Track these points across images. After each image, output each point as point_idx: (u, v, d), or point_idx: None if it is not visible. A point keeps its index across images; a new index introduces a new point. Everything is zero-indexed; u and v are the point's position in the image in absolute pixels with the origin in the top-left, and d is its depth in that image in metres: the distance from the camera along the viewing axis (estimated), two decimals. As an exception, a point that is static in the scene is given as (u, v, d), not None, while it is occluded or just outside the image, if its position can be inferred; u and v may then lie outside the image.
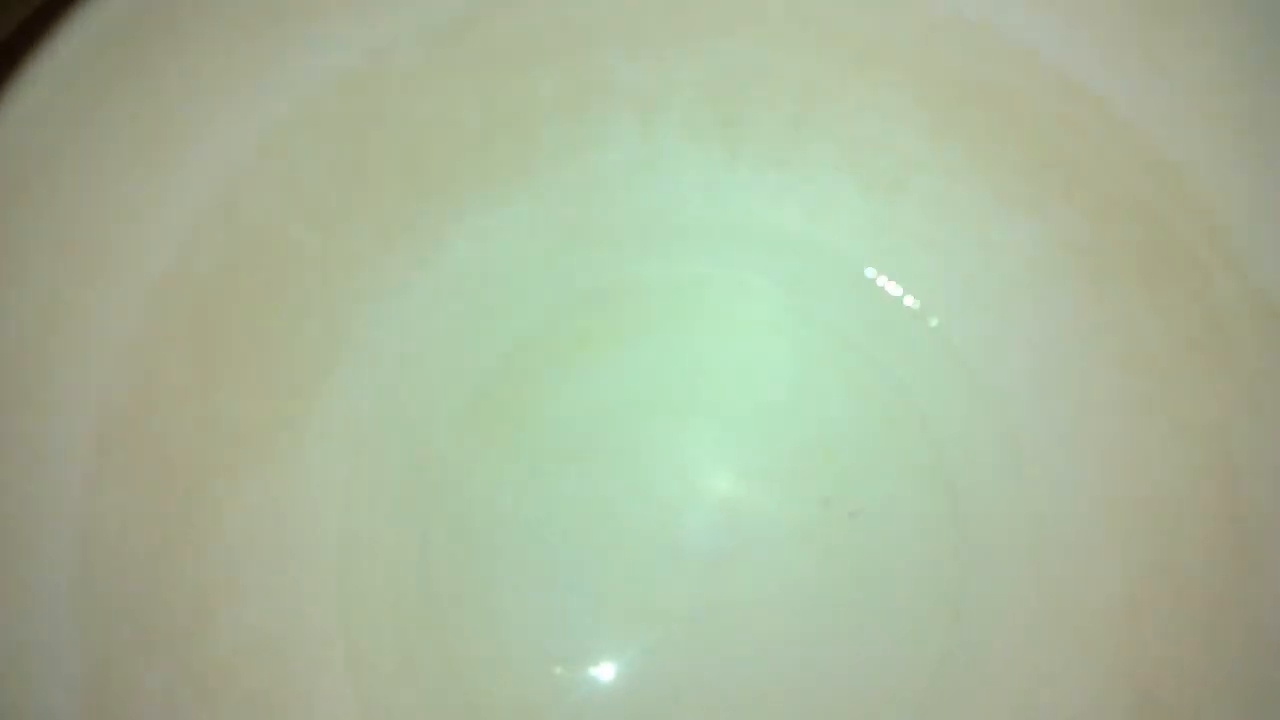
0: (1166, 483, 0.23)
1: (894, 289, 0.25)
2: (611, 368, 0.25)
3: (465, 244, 0.23)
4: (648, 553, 0.24)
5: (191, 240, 0.18)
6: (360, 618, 0.22)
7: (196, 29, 0.18)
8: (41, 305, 0.17)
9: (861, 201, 0.25)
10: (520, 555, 0.24)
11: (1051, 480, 0.24)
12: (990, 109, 0.23)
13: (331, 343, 0.22)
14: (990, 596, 0.24)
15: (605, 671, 0.23)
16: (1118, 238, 0.23)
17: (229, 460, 0.20)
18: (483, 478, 0.24)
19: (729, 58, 0.24)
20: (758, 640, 0.24)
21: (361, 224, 0.21)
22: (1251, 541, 0.21)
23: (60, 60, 0.17)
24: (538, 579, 0.24)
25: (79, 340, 0.17)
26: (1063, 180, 0.23)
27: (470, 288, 0.24)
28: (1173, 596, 0.22)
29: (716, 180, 0.25)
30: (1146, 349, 0.23)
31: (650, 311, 0.26)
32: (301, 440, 0.21)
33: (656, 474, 0.25)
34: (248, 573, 0.20)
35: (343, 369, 0.22)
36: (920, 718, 0.24)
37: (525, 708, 0.23)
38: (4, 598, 0.16)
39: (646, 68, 0.23)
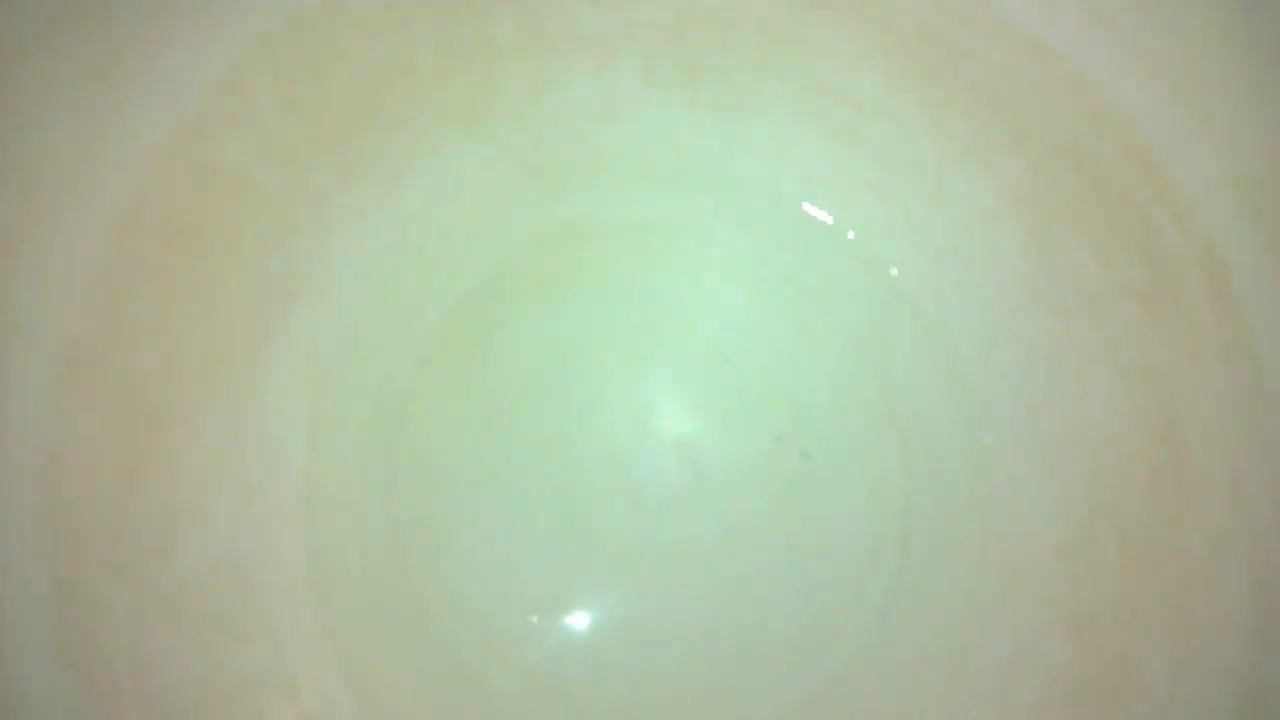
0: (1108, 427, 0.23)
1: (850, 234, 0.25)
2: (570, 307, 0.25)
3: (424, 183, 0.23)
4: (605, 491, 0.24)
5: (149, 175, 0.18)
6: (326, 549, 0.22)
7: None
8: (1, 237, 0.16)
9: (818, 148, 0.25)
10: (481, 493, 0.24)
11: (997, 423, 0.24)
12: (943, 60, 0.23)
13: (293, 279, 0.21)
14: (936, 534, 0.24)
15: (561, 615, 0.24)
16: (1064, 189, 0.23)
17: (193, 391, 0.20)
18: (444, 415, 0.24)
19: (688, 3, 0.23)
20: (713, 578, 0.24)
21: (321, 162, 0.21)
22: (1188, 484, 0.21)
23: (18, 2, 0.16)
24: (499, 517, 0.24)
25: (38, 271, 0.17)
26: (1012, 132, 0.23)
27: (430, 227, 0.24)
28: (1111, 535, 0.22)
29: (675, 124, 0.25)
30: (1090, 298, 0.23)
31: (608, 253, 0.25)
32: (264, 374, 0.21)
33: (614, 414, 0.25)
34: (212, 500, 0.20)
35: (304, 305, 0.22)
36: (867, 649, 0.24)
37: (484, 642, 0.23)
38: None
39: (606, 9, 0.23)
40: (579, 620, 0.24)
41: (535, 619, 0.23)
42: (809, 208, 0.25)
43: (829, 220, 0.25)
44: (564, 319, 0.25)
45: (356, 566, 0.23)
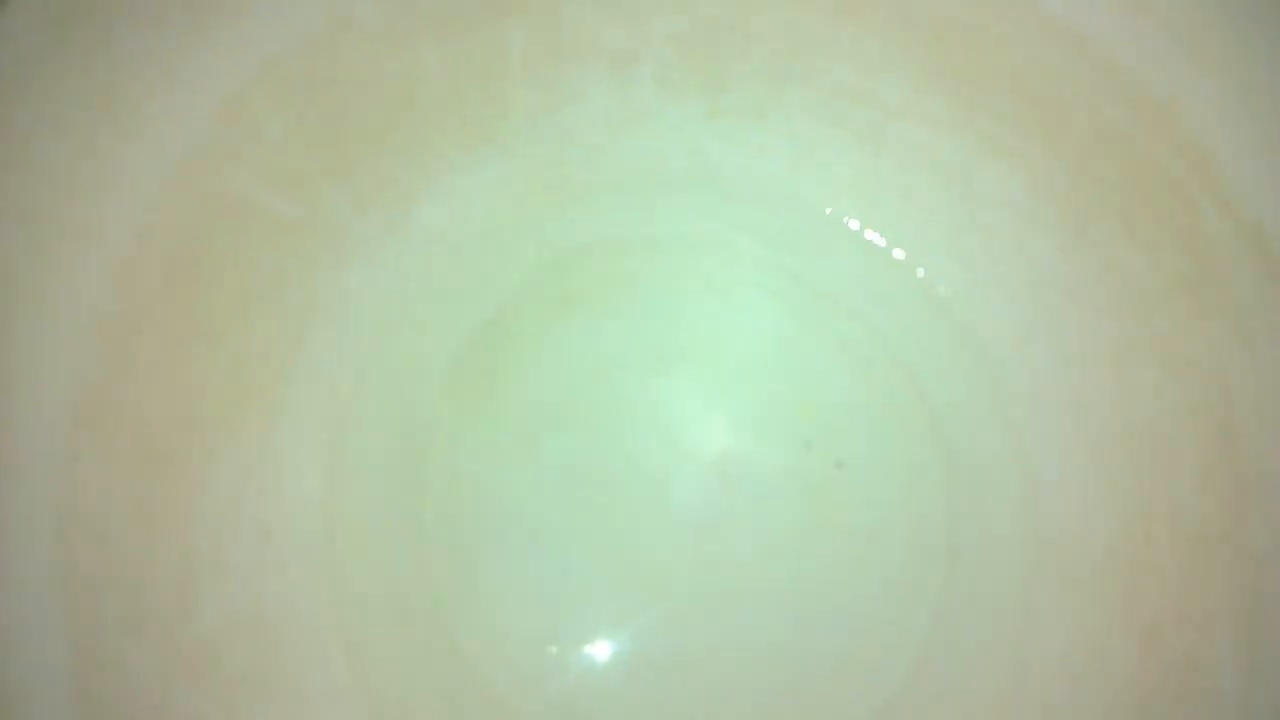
0: (1159, 423, 0.22)
1: (878, 240, 0.24)
2: (594, 330, 0.24)
3: (439, 206, 0.22)
4: (638, 517, 0.23)
5: (156, 208, 0.17)
6: (351, 592, 0.21)
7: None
8: (6, 283, 0.15)
9: (842, 153, 0.24)
10: (511, 526, 0.23)
11: (1041, 426, 0.23)
12: (970, 55, 0.22)
13: (306, 311, 0.20)
14: (983, 544, 0.23)
15: (600, 645, 0.22)
16: (1101, 181, 0.22)
17: (206, 433, 0.18)
18: (469, 447, 0.23)
19: (705, 9, 0.22)
20: (752, 603, 0.23)
21: (332, 188, 0.20)
22: (1248, 477, 0.20)
23: (16, 25, 0.15)
24: (531, 546, 0.23)
25: (46, 313, 0.16)
26: (1045, 125, 0.22)
27: (446, 251, 0.22)
28: (1169, 536, 0.21)
29: (695, 135, 0.24)
30: (1134, 291, 0.22)
31: (631, 271, 0.24)
32: (280, 412, 0.20)
33: (644, 437, 0.23)
34: (231, 549, 0.18)
35: (319, 338, 0.21)
36: (918, 669, 0.22)
37: (523, 683, 0.22)
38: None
39: (620, 20, 0.21)
40: (616, 649, 0.22)
41: (572, 650, 0.22)
42: (834, 214, 0.24)
43: (855, 226, 0.24)
44: (588, 339, 0.24)
45: (384, 607, 0.21)
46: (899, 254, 0.24)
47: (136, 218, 0.16)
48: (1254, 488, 0.20)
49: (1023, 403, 0.23)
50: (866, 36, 0.22)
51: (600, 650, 0.22)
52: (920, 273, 0.24)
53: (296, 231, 0.19)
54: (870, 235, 0.24)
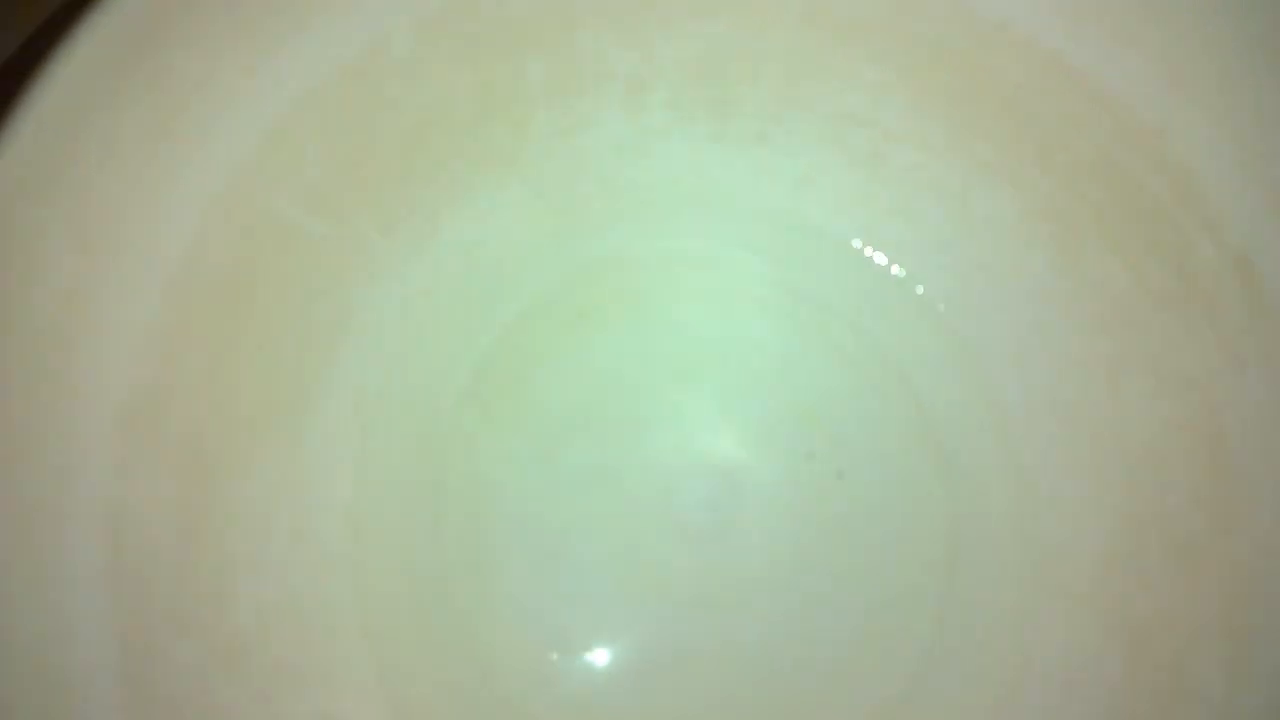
0: (1149, 438, 0.22)
1: (879, 258, 0.25)
2: (607, 343, 0.25)
3: (462, 227, 0.23)
4: (649, 523, 0.24)
5: (202, 230, 0.18)
6: (374, 591, 0.22)
7: (201, 30, 0.18)
8: (62, 296, 0.16)
9: (844, 175, 0.24)
10: (528, 527, 0.24)
11: (1036, 439, 0.24)
12: (966, 81, 0.23)
13: (337, 326, 0.21)
14: (980, 554, 0.24)
15: (611, 647, 0.23)
16: (1093, 204, 0.23)
17: (244, 442, 0.19)
18: (488, 454, 0.24)
19: (712, 39, 0.23)
20: (756, 608, 0.24)
21: (362, 210, 0.21)
22: (1237, 491, 0.21)
23: (76, 62, 0.16)
24: (547, 551, 0.23)
25: (101, 329, 0.17)
26: (1037, 149, 0.23)
27: (468, 269, 0.23)
28: (1159, 549, 0.22)
29: (703, 158, 0.25)
30: (1124, 310, 0.23)
31: (643, 287, 0.25)
32: (311, 420, 0.21)
33: (654, 445, 0.24)
34: (265, 549, 0.19)
35: (348, 352, 0.22)
36: (918, 676, 0.23)
37: (537, 682, 0.23)
38: (43, 579, 0.16)
39: (633, 47, 0.22)
40: (625, 651, 0.23)
41: (584, 651, 0.23)
42: (836, 233, 0.25)
43: (856, 245, 0.25)
44: (602, 352, 0.25)
45: (406, 606, 0.22)
46: (898, 271, 0.25)
47: (187, 238, 0.18)
48: (1242, 501, 0.21)
49: (1018, 416, 0.24)
50: (867, 63, 0.23)
51: (611, 652, 0.23)
52: (919, 290, 0.25)
53: (329, 250, 0.20)
54: (871, 253, 0.25)
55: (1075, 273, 0.23)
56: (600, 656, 0.23)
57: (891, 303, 0.25)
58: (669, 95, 0.24)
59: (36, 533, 0.16)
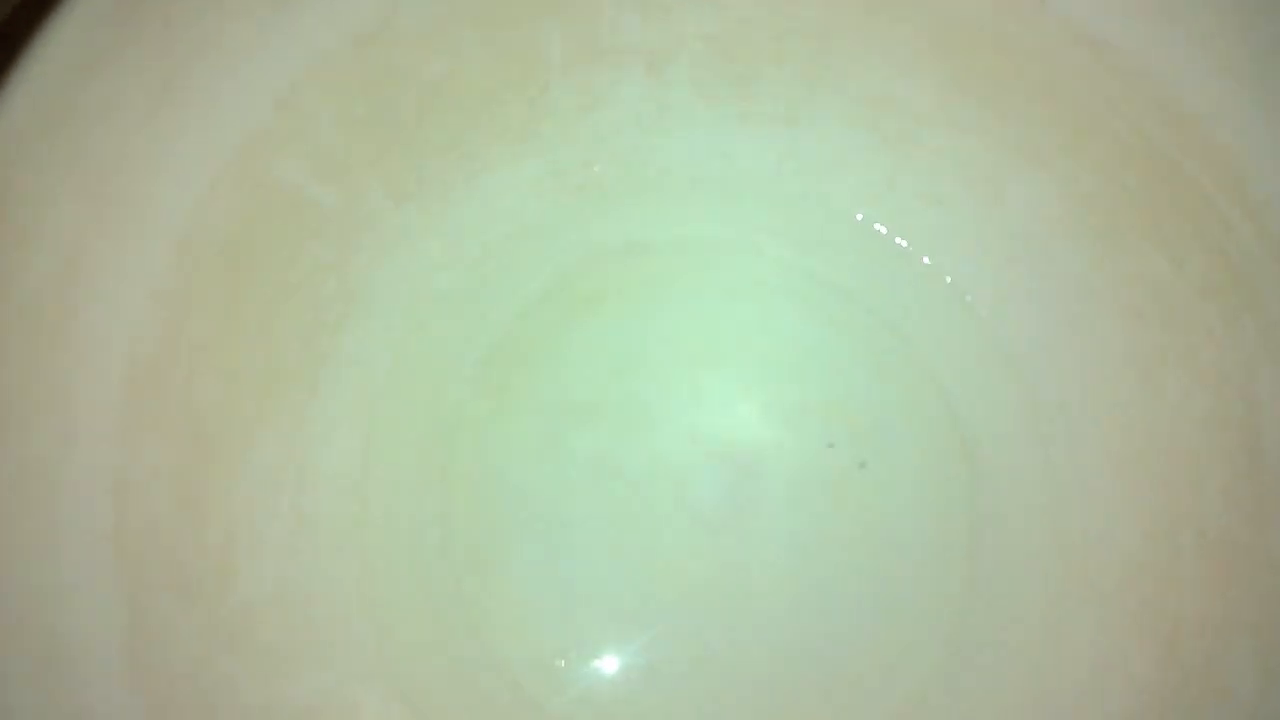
0: (1186, 433, 0.21)
1: (906, 245, 0.24)
2: (622, 327, 0.24)
3: (475, 203, 0.22)
4: (661, 512, 0.23)
5: (210, 195, 0.17)
6: (381, 574, 0.21)
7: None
8: (65, 258, 0.16)
9: (872, 158, 0.24)
10: (535, 517, 0.23)
11: (1067, 434, 0.23)
12: (1001, 62, 0.22)
13: (346, 301, 0.21)
14: (1006, 551, 0.23)
15: (620, 636, 0.22)
16: (1130, 190, 0.22)
17: (248, 415, 0.19)
18: (497, 439, 0.23)
19: (737, 11, 0.22)
20: (771, 600, 0.23)
21: (373, 181, 0.20)
22: (1273, 488, 0.20)
23: (83, 19, 0.16)
24: (556, 538, 0.23)
25: (106, 293, 0.16)
26: (1074, 133, 0.22)
27: (480, 246, 0.23)
28: (1193, 548, 0.21)
29: (726, 137, 0.24)
30: (1161, 300, 0.22)
31: (660, 271, 0.25)
32: (318, 398, 0.20)
33: (668, 434, 0.24)
34: (269, 527, 0.19)
35: (357, 327, 0.21)
36: (940, 671, 0.22)
37: (542, 670, 0.22)
38: (46, 542, 0.15)
39: (655, 21, 0.22)
40: (635, 640, 0.23)
41: (593, 638, 0.22)
42: (863, 219, 0.24)
43: (883, 230, 0.24)
44: (616, 337, 0.24)
45: (412, 590, 0.22)
46: (927, 260, 0.24)
47: (194, 202, 0.17)
48: (1277, 497, 0.20)
49: (1049, 411, 0.23)
50: (897, 41, 0.22)
51: (621, 644, 0.22)
52: (948, 279, 0.24)
53: (338, 221, 0.20)
54: (899, 241, 0.24)
55: (1112, 262, 0.22)
56: (610, 648, 0.22)
57: (919, 292, 0.24)
58: (691, 72, 0.23)
59: (37, 497, 0.15)
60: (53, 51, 0.16)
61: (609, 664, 0.22)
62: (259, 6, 0.18)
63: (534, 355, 0.24)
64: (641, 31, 0.22)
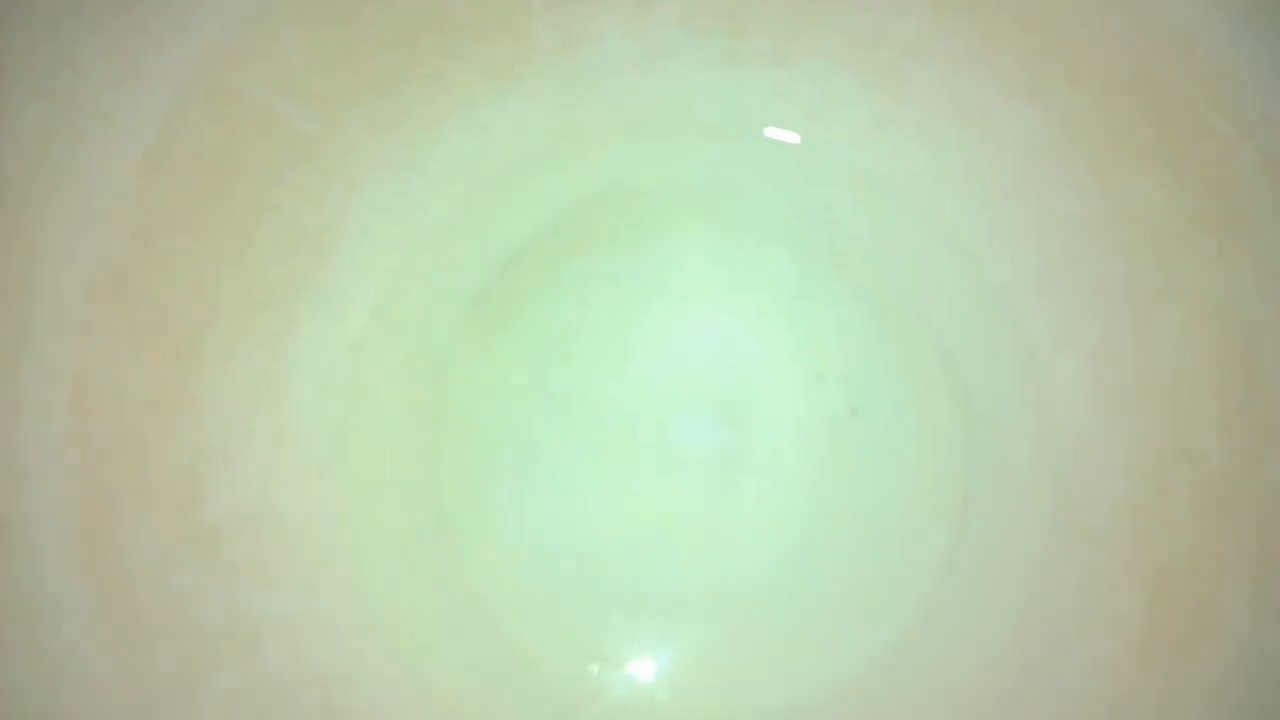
0: (1181, 368, 0.21)
1: (897, 184, 0.24)
2: (610, 271, 0.24)
3: (456, 140, 0.22)
4: (645, 452, 0.23)
5: (180, 106, 0.18)
6: (361, 505, 0.21)
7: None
8: (29, 154, 0.16)
9: (862, 95, 0.23)
10: (521, 453, 0.23)
11: (1060, 372, 0.22)
12: (992, -6, 0.22)
13: (325, 230, 0.21)
14: (997, 491, 0.23)
15: (601, 575, 0.22)
16: (1126, 118, 0.21)
17: (224, 332, 0.19)
18: (484, 376, 0.23)
19: (725, -53, 0.22)
20: (755, 544, 0.23)
21: (349, 109, 0.20)
22: (1272, 420, 0.19)
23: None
24: (539, 477, 0.23)
25: (71, 191, 0.17)
26: (1067, 62, 0.22)
27: (464, 185, 0.23)
28: (1187, 484, 0.20)
29: (714, 78, 0.24)
30: (1156, 232, 0.21)
31: (648, 214, 0.24)
32: (297, 325, 0.21)
33: (654, 375, 0.24)
34: (243, 446, 0.19)
35: (336, 258, 0.21)
36: (927, 614, 0.22)
37: (522, 607, 0.22)
38: None
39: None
40: (619, 583, 0.22)
41: (574, 581, 0.22)
42: (853, 158, 0.24)
43: (874, 169, 0.24)
44: (604, 280, 0.24)
45: (391, 522, 0.22)
46: (918, 198, 0.24)
47: (161, 110, 0.17)
48: (1275, 431, 0.19)
49: (1041, 349, 0.23)
50: (886, -27, 0.22)
51: (603, 579, 0.22)
52: (942, 217, 0.24)
53: (314, 149, 0.20)
54: (891, 180, 0.24)
55: (1105, 195, 0.22)
56: (588, 586, 0.22)
57: (909, 231, 0.24)
58: (679, 8, 0.23)
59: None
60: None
61: (586, 601, 0.22)
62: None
63: (522, 297, 0.24)
64: (626, -34, 0.22)
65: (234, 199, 0.19)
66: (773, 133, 0.24)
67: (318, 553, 0.20)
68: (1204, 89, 0.20)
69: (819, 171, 0.24)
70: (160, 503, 0.17)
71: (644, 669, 0.22)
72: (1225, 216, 0.20)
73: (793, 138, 0.24)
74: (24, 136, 0.16)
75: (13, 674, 0.14)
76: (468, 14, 0.21)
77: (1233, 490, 0.20)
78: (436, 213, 0.23)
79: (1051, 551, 0.21)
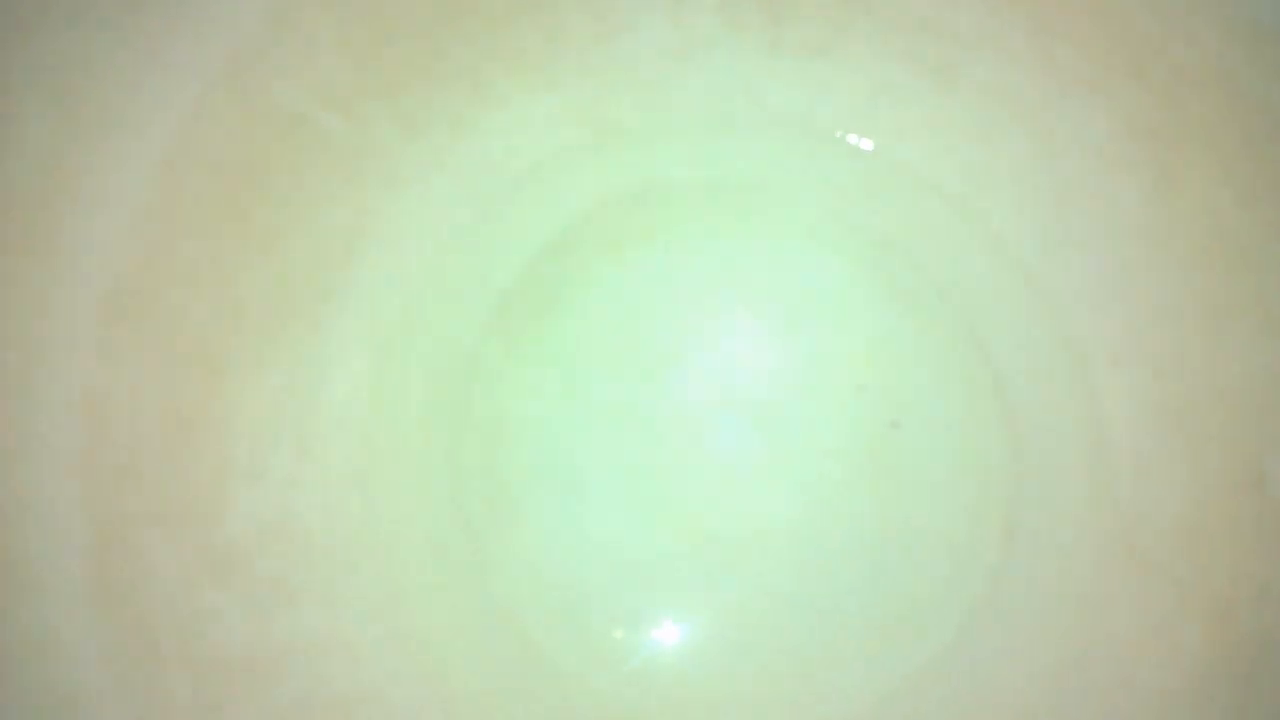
0: (1250, 387, 0.20)
1: (947, 186, 0.23)
2: (645, 273, 0.23)
3: (488, 137, 0.22)
4: (682, 462, 0.22)
5: (199, 110, 0.17)
6: (387, 517, 0.21)
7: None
8: (42, 166, 0.15)
9: (911, 90, 0.22)
10: (551, 462, 0.22)
11: (1116, 391, 0.21)
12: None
13: (353, 232, 0.20)
14: (1046, 514, 0.22)
15: (634, 590, 0.22)
16: (1197, 119, 0.20)
17: (249, 343, 0.18)
18: (513, 382, 0.23)
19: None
20: (798, 556, 0.22)
21: (380, 109, 0.20)
22: (1345, 447, 0.18)
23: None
24: (569, 487, 0.22)
25: (85, 203, 0.16)
26: (1134, 57, 0.20)
27: (495, 184, 0.22)
28: (1253, 511, 0.19)
29: (755, 70, 0.23)
30: (1228, 242, 0.20)
31: (684, 215, 0.24)
32: (325, 331, 0.20)
33: (691, 383, 0.23)
34: (268, 459, 0.19)
35: (365, 261, 0.21)
36: (967, 636, 0.21)
37: (553, 624, 0.22)
38: (5, 452, 0.15)
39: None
40: (650, 595, 0.22)
41: (606, 594, 0.22)
42: (900, 158, 0.23)
43: (922, 171, 0.23)
44: (637, 282, 0.23)
45: (418, 537, 0.21)
46: (969, 201, 0.23)
47: (180, 114, 0.17)
48: (1352, 458, 0.18)
49: (1098, 364, 0.22)
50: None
51: (633, 595, 0.22)
52: (992, 222, 0.23)
53: (344, 149, 0.19)
54: (939, 181, 0.23)
55: (1172, 200, 0.20)
56: (622, 601, 0.22)
57: (959, 236, 0.23)
58: (719, -1, 0.22)
59: (2, 406, 0.15)
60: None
61: (620, 617, 0.22)
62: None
63: (553, 299, 0.23)
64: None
65: (257, 204, 0.18)
66: (813, 128, 0.23)
67: (341, 568, 0.19)
68: (1285, 91, 0.18)
69: (862, 170, 0.23)
70: (178, 526, 0.17)
71: (679, 685, 0.22)
72: (1305, 229, 0.19)
73: (835, 134, 0.23)
74: (34, 145, 0.15)
75: (18, 716, 0.14)
76: (499, 6, 0.21)
77: (1303, 522, 0.18)
78: (465, 212, 0.22)
79: (1104, 577, 0.21)
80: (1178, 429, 0.21)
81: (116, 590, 0.15)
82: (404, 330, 0.22)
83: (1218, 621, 0.19)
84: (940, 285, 0.23)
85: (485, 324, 0.23)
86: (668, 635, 0.22)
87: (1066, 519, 0.21)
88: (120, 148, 0.16)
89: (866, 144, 0.23)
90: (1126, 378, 0.21)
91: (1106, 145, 0.21)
